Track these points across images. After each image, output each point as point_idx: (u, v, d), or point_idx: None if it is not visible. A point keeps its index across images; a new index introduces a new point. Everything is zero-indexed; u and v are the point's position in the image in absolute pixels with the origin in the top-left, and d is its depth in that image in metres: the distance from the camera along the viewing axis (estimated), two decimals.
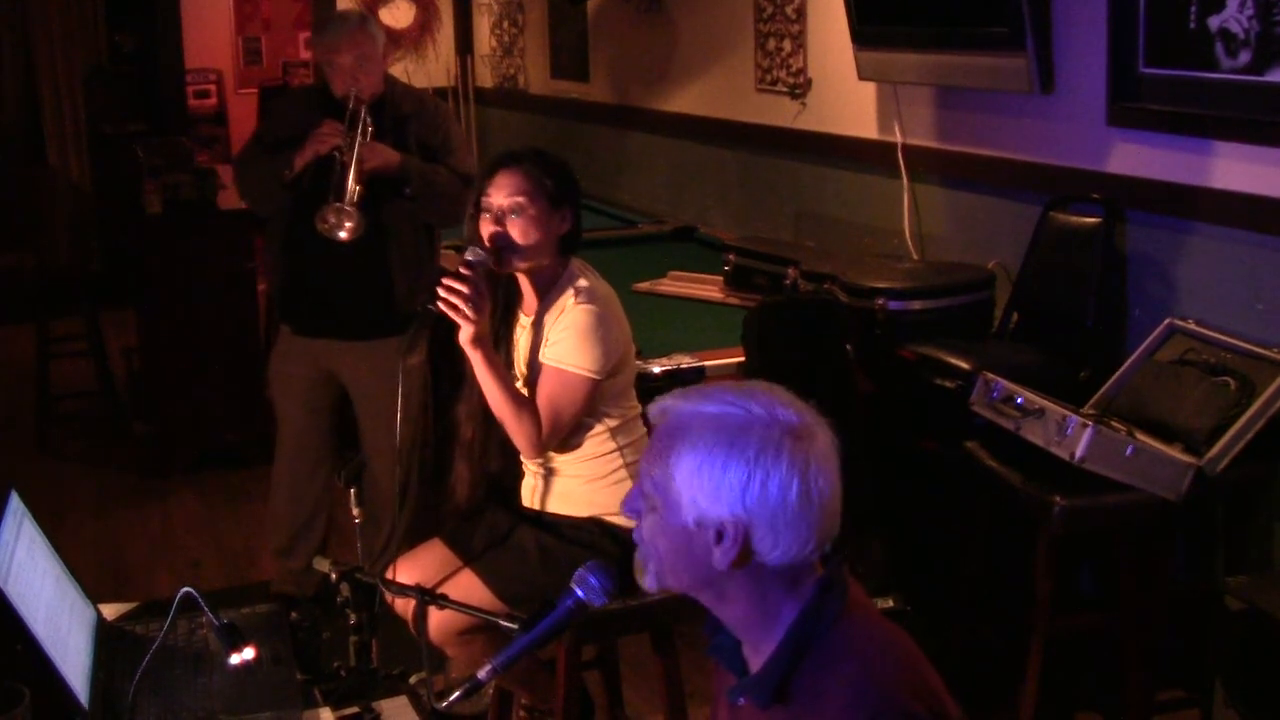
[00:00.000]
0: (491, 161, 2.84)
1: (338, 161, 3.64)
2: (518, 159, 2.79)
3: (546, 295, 2.83)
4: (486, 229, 2.77)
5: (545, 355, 2.79)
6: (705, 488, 1.58)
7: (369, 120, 3.70)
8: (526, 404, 2.78)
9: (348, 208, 3.60)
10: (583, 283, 2.81)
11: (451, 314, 2.68)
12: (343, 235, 3.61)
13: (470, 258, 2.73)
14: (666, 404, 1.66)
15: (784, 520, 1.57)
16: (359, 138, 3.65)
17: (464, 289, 2.67)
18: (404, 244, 3.84)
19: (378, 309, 3.83)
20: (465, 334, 2.71)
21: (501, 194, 2.76)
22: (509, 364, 2.88)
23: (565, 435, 2.81)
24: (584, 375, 2.75)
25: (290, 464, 4.05)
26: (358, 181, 3.61)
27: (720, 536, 1.58)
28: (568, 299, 2.79)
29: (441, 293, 2.67)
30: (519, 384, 2.85)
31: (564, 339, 2.76)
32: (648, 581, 1.68)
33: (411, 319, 3.77)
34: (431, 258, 3.96)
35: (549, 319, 2.81)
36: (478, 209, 2.79)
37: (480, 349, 2.73)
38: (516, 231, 2.75)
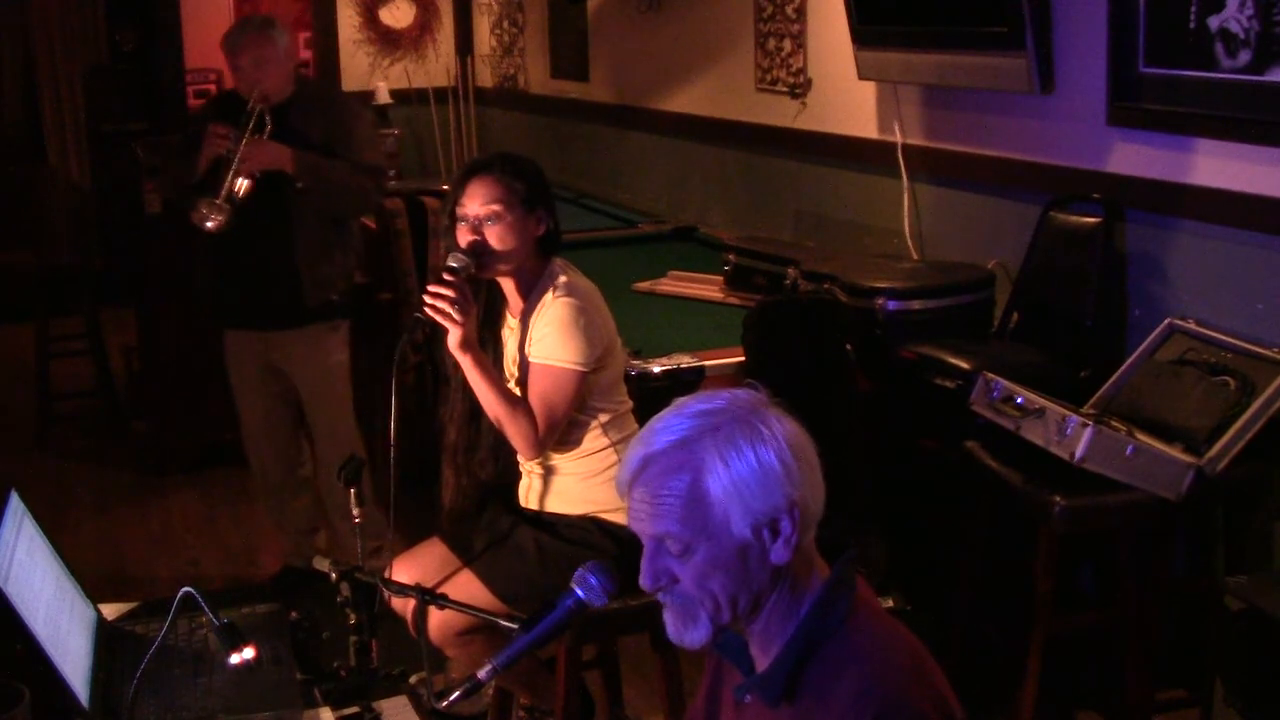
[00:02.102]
0: (463, 171, 2.86)
1: (225, 160, 3.80)
2: (488, 166, 2.82)
3: (530, 295, 2.85)
4: (464, 238, 2.79)
5: (531, 353, 2.80)
6: (751, 487, 1.57)
7: (269, 119, 3.85)
8: (520, 404, 2.78)
9: (219, 203, 3.77)
10: (563, 279, 2.83)
11: (439, 319, 2.70)
12: (209, 226, 3.78)
13: (453, 264, 2.75)
14: (637, 455, 1.61)
15: (817, 475, 1.61)
16: (249, 137, 3.80)
17: (449, 293, 2.69)
18: (308, 236, 3.96)
19: (288, 298, 3.99)
20: (453, 338, 2.72)
21: (476, 203, 2.78)
22: (499, 366, 2.89)
23: (561, 431, 2.82)
24: (570, 368, 2.76)
25: (257, 458, 4.27)
26: (237, 178, 3.78)
27: (776, 529, 1.58)
28: (549, 296, 2.81)
29: (427, 299, 2.70)
30: (511, 384, 2.86)
31: (547, 334, 2.78)
32: (700, 634, 1.62)
33: (331, 307, 4.00)
34: (342, 250, 4.09)
35: (533, 318, 2.82)
36: (454, 219, 2.81)
37: (469, 352, 2.74)
38: (494, 238, 2.78)
